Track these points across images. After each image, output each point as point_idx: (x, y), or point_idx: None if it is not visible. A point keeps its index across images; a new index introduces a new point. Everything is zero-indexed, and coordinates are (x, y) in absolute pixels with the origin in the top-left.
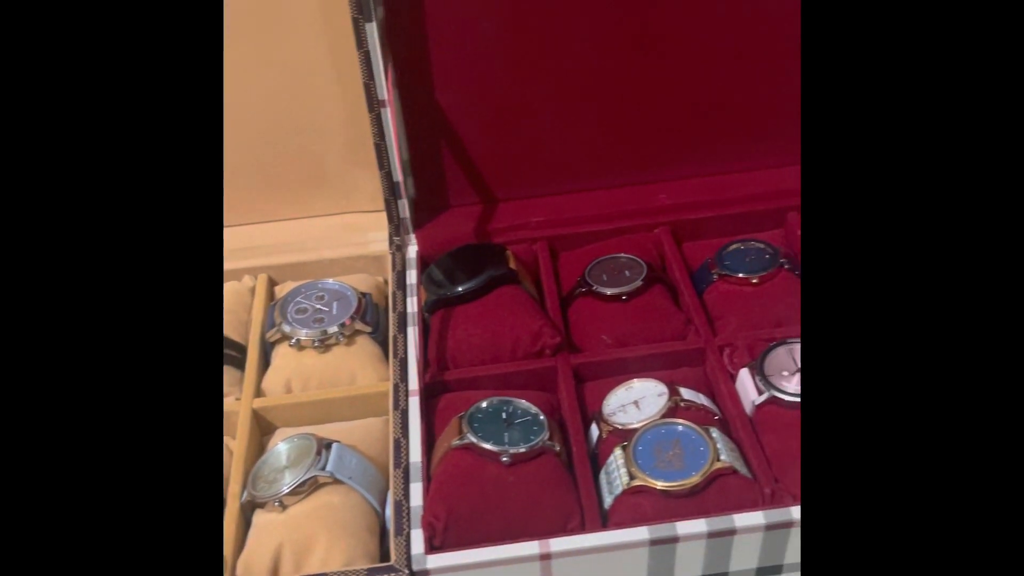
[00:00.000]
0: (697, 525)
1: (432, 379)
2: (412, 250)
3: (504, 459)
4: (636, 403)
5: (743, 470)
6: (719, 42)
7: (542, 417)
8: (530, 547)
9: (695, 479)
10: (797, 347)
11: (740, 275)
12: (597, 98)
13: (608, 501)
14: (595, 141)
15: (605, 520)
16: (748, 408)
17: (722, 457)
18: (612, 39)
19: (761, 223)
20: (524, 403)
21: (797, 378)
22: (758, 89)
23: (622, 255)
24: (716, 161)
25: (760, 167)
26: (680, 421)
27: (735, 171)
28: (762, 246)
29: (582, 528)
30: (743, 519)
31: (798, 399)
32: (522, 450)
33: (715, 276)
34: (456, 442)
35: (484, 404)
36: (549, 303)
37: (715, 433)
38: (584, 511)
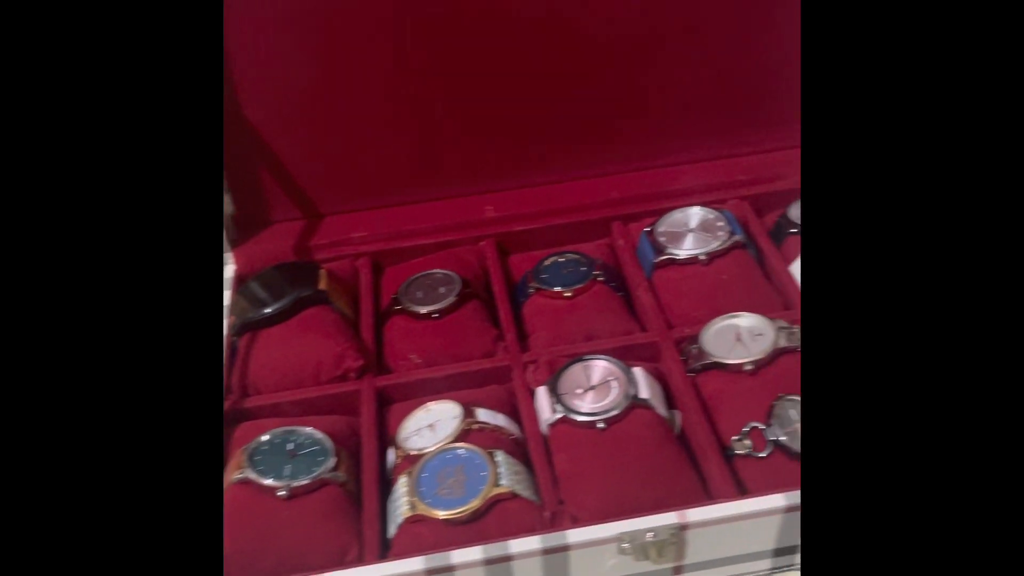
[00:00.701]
0: (473, 553)
1: (233, 407)
2: (229, 269)
3: (281, 493)
4: (432, 426)
5: (527, 493)
6: (537, 50)
7: (329, 445)
8: None
9: (473, 505)
10: (594, 363)
11: (555, 288)
12: (417, 109)
13: (392, 530)
14: (417, 153)
15: (387, 550)
16: (543, 427)
17: (502, 482)
18: (427, 50)
19: (586, 233)
20: (311, 432)
21: (592, 396)
22: (580, 98)
23: (438, 271)
24: (542, 171)
25: (585, 176)
26: (464, 446)
27: (561, 181)
28: (578, 258)
29: (360, 561)
30: (519, 545)
31: (590, 418)
32: (303, 483)
33: (532, 290)
34: (236, 476)
35: (266, 437)
36: (364, 322)
37: (499, 456)
38: (364, 543)
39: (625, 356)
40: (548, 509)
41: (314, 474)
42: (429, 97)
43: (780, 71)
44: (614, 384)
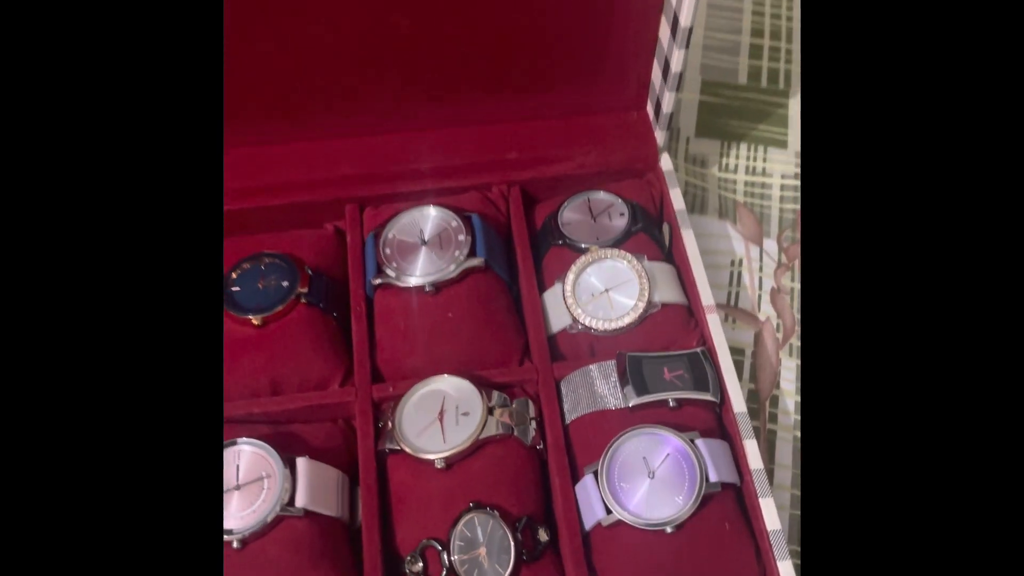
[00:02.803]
0: None
1: None
2: None
3: None
4: None
5: None
6: None
7: None
8: None
9: None
10: (247, 450)
11: (246, 315)
12: None
13: None
14: None
15: None
16: None
17: None
18: None
19: (317, 215)
20: None
21: (235, 500)
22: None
23: None
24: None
25: (302, 138)
26: None
27: (278, 142)
28: (283, 265)
29: None
30: None
31: (227, 535)
32: None
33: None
34: None
35: None
36: None
37: None
38: None
39: (313, 416)
40: None
41: None
42: None
43: (574, 21)
44: (265, 486)
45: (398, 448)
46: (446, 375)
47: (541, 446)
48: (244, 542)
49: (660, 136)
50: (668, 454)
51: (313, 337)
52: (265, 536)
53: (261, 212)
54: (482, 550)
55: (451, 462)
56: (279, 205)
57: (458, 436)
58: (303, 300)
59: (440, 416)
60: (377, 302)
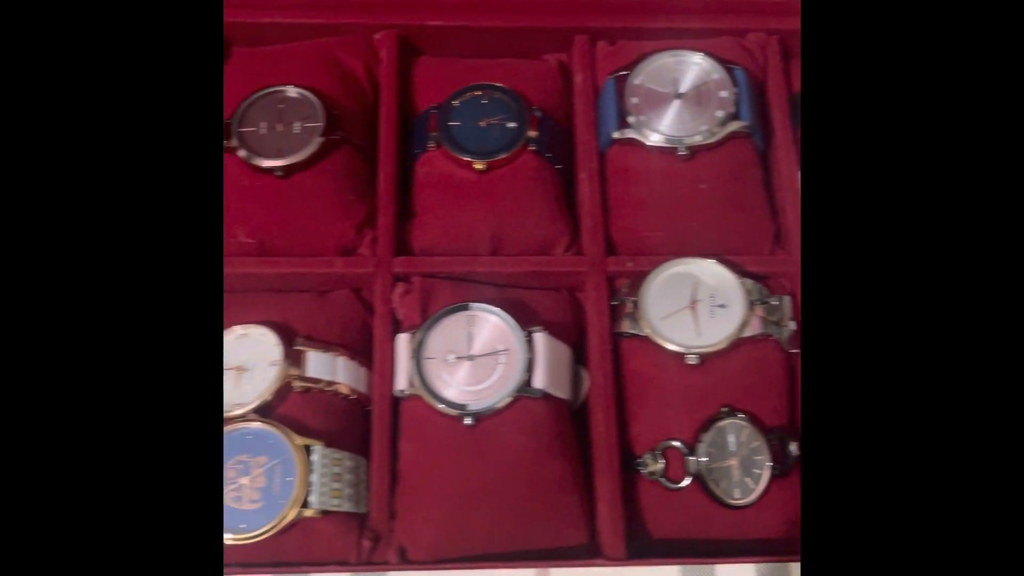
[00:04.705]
0: None
1: None
2: None
3: None
4: (240, 369)
5: (347, 505)
6: None
7: None
8: None
9: (265, 529)
10: (482, 319)
11: (464, 156)
12: None
13: None
14: None
15: None
16: (396, 391)
17: (311, 500)
18: None
19: (534, 45)
20: None
21: (468, 371)
22: None
23: (292, 89)
24: None
25: None
26: (270, 427)
27: None
28: (509, 101)
29: None
30: None
31: (457, 411)
32: None
33: (432, 142)
34: None
35: None
36: None
37: (317, 455)
38: None
39: (535, 281)
40: (372, 528)
41: None
42: None
43: None
44: (502, 360)
45: (638, 333)
46: (699, 259)
47: (798, 351)
48: (477, 419)
49: None
50: None
51: (541, 192)
52: (497, 416)
53: (474, 33)
54: (734, 460)
55: (704, 358)
56: (497, 28)
57: (715, 331)
58: (531, 147)
59: (692, 304)
60: (612, 160)
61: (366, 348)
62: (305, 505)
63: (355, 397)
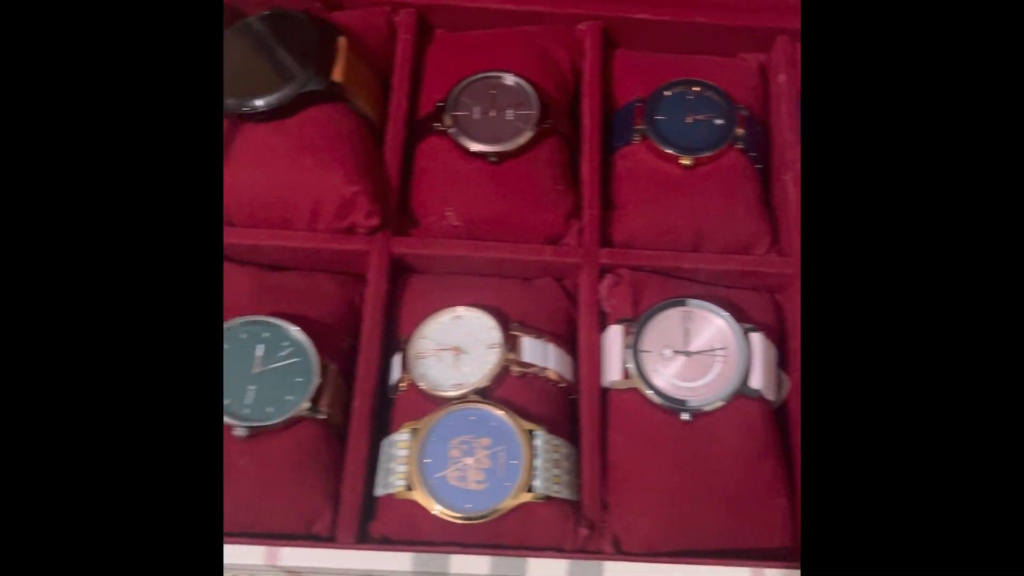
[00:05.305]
0: (478, 564)
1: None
2: None
3: (239, 432)
4: (457, 351)
5: (565, 492)
6: None
7: (313, 359)
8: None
9: (490, 511)
10: (701, 316)
11: (668, 150)
12: None
13: (380, 490)
14: None
15: (369, 517)
16: (606, 382)
17: (536, 484)
18: None
19: (735, 43)
20: (293, 333)
21: (684, 366)
22: None
23: (510, 76)
24: None
25: None
26: (496, 411)
27: None
28: (718, 100)
29: (331, 532)
30: (538, 567)
31: (674, 405)
32: (271, 423)
33: (636, 135)
34: None
35: (226, 326)
36: (392, 129)
37: (540, 439)
38: (340, 505)
39: (742, 281)
40: (586, 519)
41: (286, 412)
42: None
43: None
44: (719, 359)
45: None
46: None
47: None
48: (694, 415)
49: None
50: None
51: (745, 191)
52: (713, 414)
53: (675, 28)
54: None
55: None
56: (701, 24)
57: None
58: (738, 145)
59: None
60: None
61: (570, 336)
62: (529, 490)
63: (564, 385)
